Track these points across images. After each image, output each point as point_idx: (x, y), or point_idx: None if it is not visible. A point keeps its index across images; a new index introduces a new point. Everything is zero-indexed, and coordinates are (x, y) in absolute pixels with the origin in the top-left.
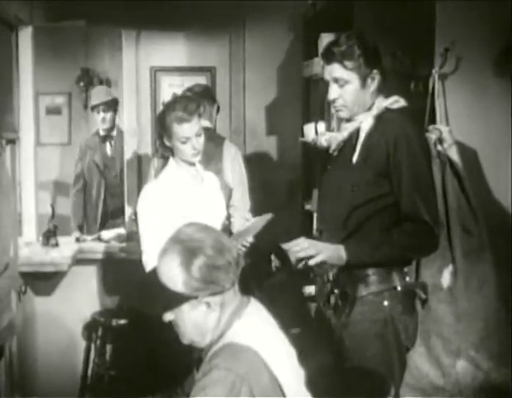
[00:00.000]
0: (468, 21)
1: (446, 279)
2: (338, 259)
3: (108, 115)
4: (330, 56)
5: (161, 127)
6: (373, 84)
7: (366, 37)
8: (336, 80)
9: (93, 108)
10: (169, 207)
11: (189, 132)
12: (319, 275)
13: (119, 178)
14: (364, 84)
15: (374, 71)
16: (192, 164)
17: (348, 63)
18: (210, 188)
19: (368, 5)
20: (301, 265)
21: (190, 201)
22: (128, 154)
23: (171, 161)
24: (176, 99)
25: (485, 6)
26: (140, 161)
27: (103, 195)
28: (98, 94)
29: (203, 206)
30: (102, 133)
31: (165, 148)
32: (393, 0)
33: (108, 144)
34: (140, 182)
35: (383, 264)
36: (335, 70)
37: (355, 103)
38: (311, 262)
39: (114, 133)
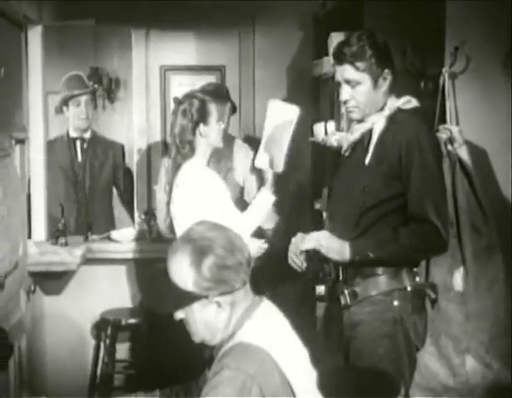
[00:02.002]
0: (478, 21)
1: (458, 282)
2: (340, 248)
3: (90, 110)
4: (341, 57)
5: (204, 112)
6: (385, 84)
7: (377, 37)
8: (348, 82)
9: (67, 100)
10: (201, 206)
11: (225, 109)
12: (326, 273)
13: (94, 190)
14: (376, 84)
15: (386, 71)
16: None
17: (359, 64)
18: (221, 187)
19: (378, 4)
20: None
21: (213, 199)
22: (136, 154)
23: (190, 162)
24: (205, 85)
25: (495, 5)
26: (149, 160)
27: (76, 211)
28: (76, 82)
29: (218, 203)
30: (74, 134)
31: (191, 144)
32: None
33: (78, 148)
34: (149, 180)
35: (388, 263)
36: (347, 72)
37: (367, 103)
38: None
39: (88, 134)
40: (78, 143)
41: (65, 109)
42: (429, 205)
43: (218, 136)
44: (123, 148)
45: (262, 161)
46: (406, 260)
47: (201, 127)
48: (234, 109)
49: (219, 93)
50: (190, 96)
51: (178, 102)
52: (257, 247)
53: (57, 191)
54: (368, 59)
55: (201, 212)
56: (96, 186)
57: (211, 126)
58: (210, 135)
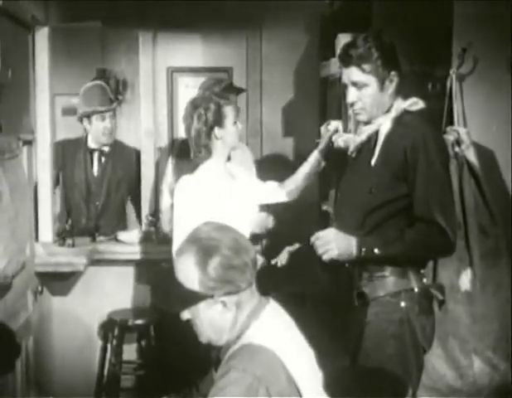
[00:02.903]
0: (485, 22)
1: (464, 282)
2: (347, 245)
3: (114, 124)
4: (347, 59)
5: (219, 116)
6: (391, 86)
7: (384, 38)
8: (355, 84)
9: (90, 114)
10: (205, 202)
11: (237, 110)
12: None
13: (108, 203)
14: (382, 86)
15: (392, 73)
16: (228, 159)
17: (366, 66)
18: (242, 185)
19: (385, 5)
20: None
21: (226, 198)
22: (144, 156)
23: (207, 163)
24: (216, 83)
25: (502, 6)
26: (157, 162)
27: (85, 217)
28: (99, 95)
29: (236, 203)
30: (93, 145)
31: (207, 147)
32: (410, 0)
33: (96, 160)
34: (157, 182)
35: (395, 262)
36: (353, 74)
37: (373, 105)
38: (325, 257)
39: (107, 147)
40: (95, 156)
41: (85, 121)
42: (435, 206)
43: (234, 138)
44: (139, 154)
45: (334, 123)
46: (413, 261)
47: (216, 130)
48: (237, 92)
49: (231, 92)
50: (206, 100)
51: (194, 106)
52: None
53: (67, 196)
54: (374, 61)
55: (211, 211)
56: (112, 202)
57: (227, 129)
58: (225, 137)
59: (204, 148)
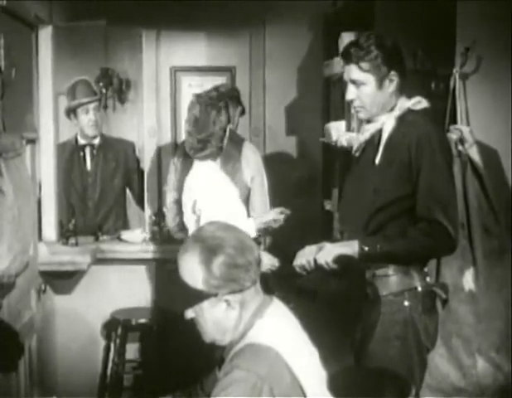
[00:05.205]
0: (489, 21)
1: (468, 281)
2: (348, 243)
3: (99, 117)
4: (347, 57)
5: (229, 117)
6: (391, 86)
7: (386, 38)
8: (353, 82)
9: (75, 108)
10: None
11: (236, 112)
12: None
13: (105, 197)
14: (381, 85)
15: (392, 73)
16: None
17: (364, 64)
18: (233, 186)
19: (389, 4)
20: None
21: (225, 198)
22: (148, 155)
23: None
24: (219, 86)
25: (505, 5)
26: (160, 161)
27: (85, 216)
28: (84, 89)
29: (233, 202)
30: (83, 140)
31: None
32: None
33: (88, 155)
34: (160, 181)
35: (398, 260)
36: (352, 72)
37: (372, 104)
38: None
39: (97, 141)
40: (87, 151)
41: (72, 116)
42: (437, 205)
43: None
44: (133, 146)
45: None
46: (415, 259)
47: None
48: (243, 112)
49: (231, 96)
50: (204, 97)
51: (210, 103)
52: (269, 264)
53: (66, 197)
54: (373, 60)
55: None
56: (108, 193)
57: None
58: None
59: (217, 147)
